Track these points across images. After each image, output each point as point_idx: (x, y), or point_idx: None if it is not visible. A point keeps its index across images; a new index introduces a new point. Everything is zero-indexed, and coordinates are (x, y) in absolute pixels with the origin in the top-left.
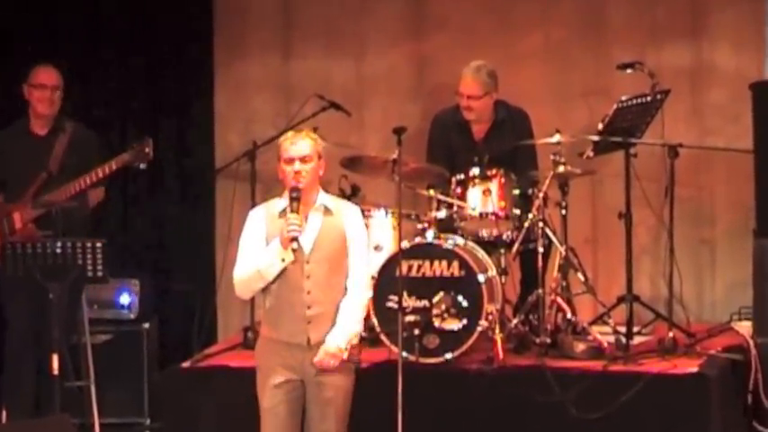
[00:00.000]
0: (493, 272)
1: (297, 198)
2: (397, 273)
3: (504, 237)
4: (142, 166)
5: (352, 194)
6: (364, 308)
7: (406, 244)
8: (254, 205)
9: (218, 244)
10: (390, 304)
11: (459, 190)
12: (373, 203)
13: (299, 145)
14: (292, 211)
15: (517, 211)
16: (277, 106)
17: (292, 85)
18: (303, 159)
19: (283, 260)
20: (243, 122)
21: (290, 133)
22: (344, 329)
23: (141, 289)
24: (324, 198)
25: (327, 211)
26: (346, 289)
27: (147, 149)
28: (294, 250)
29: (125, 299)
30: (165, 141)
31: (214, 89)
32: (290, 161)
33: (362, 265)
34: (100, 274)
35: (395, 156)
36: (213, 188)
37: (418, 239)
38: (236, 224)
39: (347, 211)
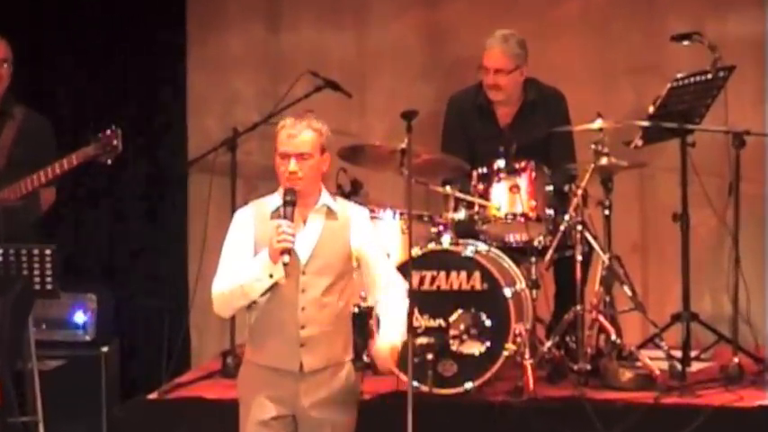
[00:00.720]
0: (522, 285)
1: (291, 202)
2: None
3: (536, 242)
4: (109, 161)
5: (352, 192)
6: (407, 301)
7: (417, 251)
8: (233, 204)
9: (192, 251)
10: None
11: (481, 186)
12: (378, 202)
13: (298, 139)
14: (285, 216)
15: (551, 212)
16: (262, 86)
17: (280, 62)
18: (301, 156)
19: (272, 276)
20: (221, 106)
21: (288, 120)
22: (396, 323)
23: (99, 305)
24: (326, 198)
25: (330, 213)
26: (355, 307)
27: (114, 141)
28: (285, 264)
29: (80, 317)
30: (129, 129)
31: (186, 67)
32: (286, 157)
33: (387, 265)
34: (49, 287)
35: (404, 145)
36: (186, 184)
37: (432, 246)
38: (214, 227)
39: (354, 215)
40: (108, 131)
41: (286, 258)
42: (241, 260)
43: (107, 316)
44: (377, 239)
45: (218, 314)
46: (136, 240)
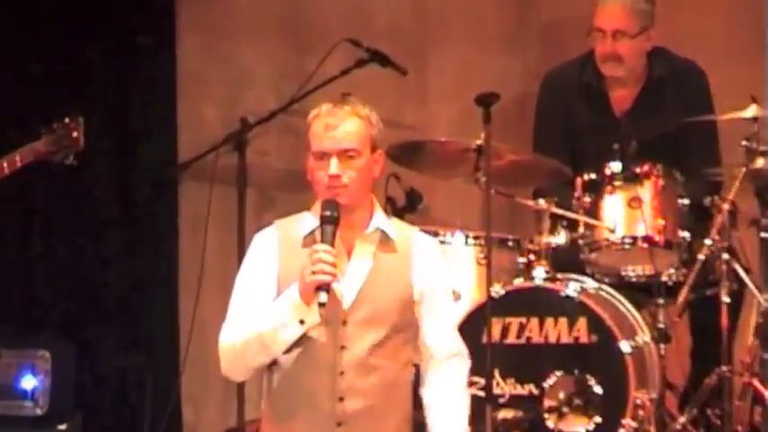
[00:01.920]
0: (645, 336)
1: (333, 220)
2: (485, 338)
3: (665, 277)
4: (68, 160)
5: (407, 207)
6: (468, 393)
7: (498, 289)
8: (242, 224)
9: (184, 289)
10: (474, 390)
11: (587, 199)
12: (443, 222)
13: (340, 130)
14: (323, 240)
15: (685, 235)
16: (281, 60)
17: (307, 26)
18: (346, 154)
19: (302, 322)
20: (224, 87)
21: (324, 106)
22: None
23: (54, 366)
24: (381, 219)
25: (386, 240)
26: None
27: (74, 134)
28: (322, 306)
29: (28, 382)
30: (98, 122)
31: (175, 33)
32: (323, 156)
33: (452, 328)
34: None
35: (480, 141)
36: (175, 196)
37: (520, 282)
38: (214, 255)
39: (420, 246)
40: (66, 120)
41: (323, 297)
42: (261, 300)
43: (65, 381)
44: (446, 285)
45: (225, 375)
46: (106, 275)
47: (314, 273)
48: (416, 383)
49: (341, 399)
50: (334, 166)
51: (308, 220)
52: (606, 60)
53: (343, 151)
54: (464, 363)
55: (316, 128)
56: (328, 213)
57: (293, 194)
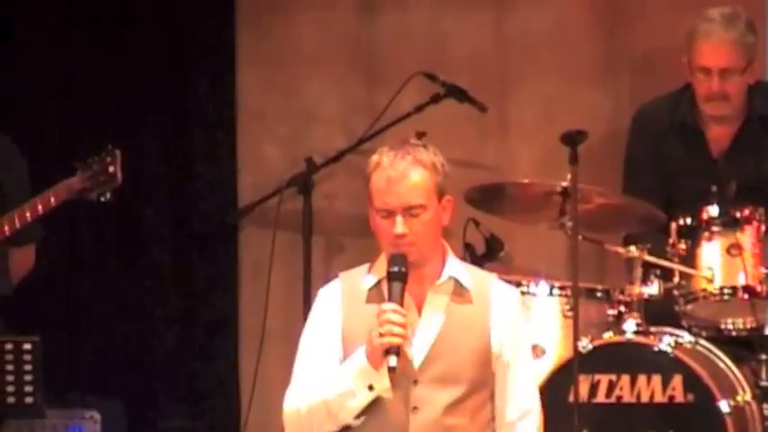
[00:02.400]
0: (747, 395)
1: (401, 276)
2: (572, 397)
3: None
4: (104, 197)
5: (487, 254)
6: None
7: (586, 344)
8: (308, 274)
9: (245, 346)
10: None
11: (683, 246)
12: (525, 271)
13: (403, 185)
14: (391, 299)
15: None
16: (350, 94)
17: (378, 56)
18: (410, 211)
19: (372, 388)
20: (288, 125)
21: (385, 156)
22: None
23: (105, 428)
24: (454, 266)
25: (460, 291)
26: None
27: (111, 168)
28: (392, 370)
29: None
30: (153, 163)
31: (235, 66)
32: (388, 213)
33: (529, 384)
34: (29, 399)
35: (566, 183)
36: (234, 243)
37: (609, 336)
38: (278, 308)
39: (498, 296)
40: (102, 154)
41: (393, 362)
42: (327, 361)
43: None
44: (525, 337)
45: None
46: (158, 330)
47: (382, 335)
48: None
49: None
50: (399, 224)
51: (373, 274)
52: (711, 100)
53: (408, 208)
54: (531, 420)
55: (377, 181)
56: (395, 269)
57: (363, 240)
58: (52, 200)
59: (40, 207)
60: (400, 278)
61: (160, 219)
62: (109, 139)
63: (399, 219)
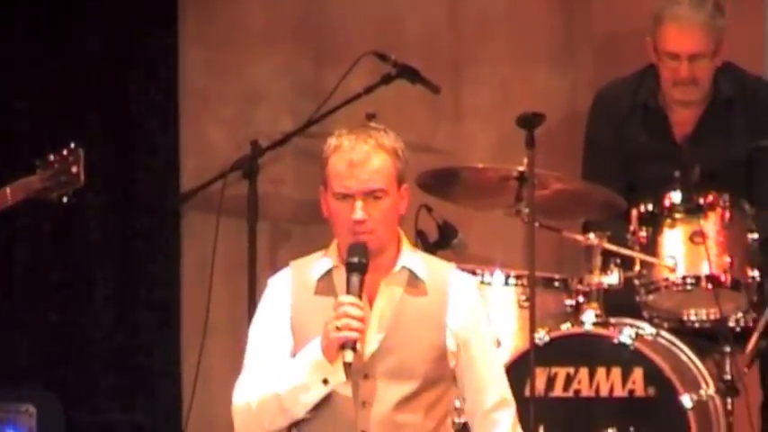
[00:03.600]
0: (710, 390)
1: (361, 268)
2: (528, 390)
3: (732, 322)
4: (65, 198)
5: (440, 242)
6: None
7: (543, 336)
8: (253, 262)
9: (187, 337)
10: None
11: (644, 233)
12: (480, 259)
13: (365, 168)
14: (350, 291)
15: (755, 274)
16: (297, 75)
17: (326, 37)
18: (372, 195)
19: (326, 382)
20: (233, 106)
21: (345, 139)
22: None
23: (41, 422)
24: (409, 257)
25: (414, 282)
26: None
27: (74, 168)
28: (348, 365)
29: None
30: (87, 148)
31: (177, 45)
32: (345, 197)
33: (498, 373)
34: None
35: (522, 168)
36: (177, 229)
37: (567, 327)
38: (222, 298)
39: (455, 287)
40: (64, 153)
41: (349, 357)
42: (278, 354)
43: None
44: (488, 328)
45: None
46: (97, 320)
47: (339, 329)
48: None
49: None
50: (359, 210)
51: (324, 262)
52: (679, 85)
53: (369, 192)
54: (509, 410)
55: (336, 164)
56: (356, 260)
57: (311, 227)
58: (9, 197)
59: None
60: (360, 270)
61: (99, 205)
62: (46, 122)
63: (359, 204)
